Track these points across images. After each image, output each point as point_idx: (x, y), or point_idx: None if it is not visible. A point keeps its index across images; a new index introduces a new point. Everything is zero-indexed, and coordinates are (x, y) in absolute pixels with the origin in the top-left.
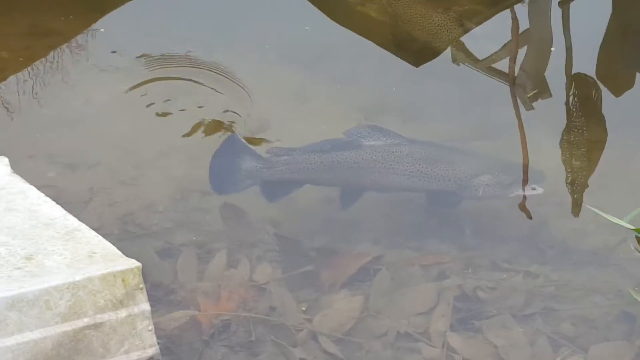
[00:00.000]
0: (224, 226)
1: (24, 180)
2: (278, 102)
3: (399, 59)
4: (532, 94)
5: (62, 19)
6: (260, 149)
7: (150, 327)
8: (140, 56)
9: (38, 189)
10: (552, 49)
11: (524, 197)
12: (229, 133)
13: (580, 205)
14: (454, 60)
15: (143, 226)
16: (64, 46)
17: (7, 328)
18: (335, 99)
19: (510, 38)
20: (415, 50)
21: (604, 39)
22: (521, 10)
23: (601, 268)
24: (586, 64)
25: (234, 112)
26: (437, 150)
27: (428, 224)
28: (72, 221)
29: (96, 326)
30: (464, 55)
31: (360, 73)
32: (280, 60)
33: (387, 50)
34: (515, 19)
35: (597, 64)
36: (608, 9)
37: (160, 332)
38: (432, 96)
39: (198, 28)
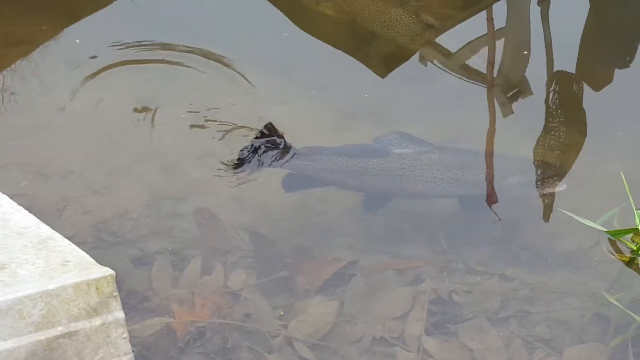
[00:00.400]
0: (198, 233)
1: None
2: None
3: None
4: (512, 93)
5: (34, 27)
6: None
7: (124, 335)
8: (113, 64)
9: (10, 197)
10: (526, 52)
11: (553, 193)
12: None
13: (552, 208)
14: (421, 60)
15: (117, 234)
16: (36, 54)
17: None
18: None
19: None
20: (382, 58)
21: (582, 36)
22: (497, 11)
23: (575, 270)
24: (566, 62)
25: (210, 120)
26: (465, 155)
27: (402, 228)
28: (45, 230)
29: (70, 335)
30: (432, 55)
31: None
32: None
33: (348, 51)
34: (490, 20)
35: (577, 61)
36: (586, 8)
37: (135, 340)
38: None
39: (175, 33)
